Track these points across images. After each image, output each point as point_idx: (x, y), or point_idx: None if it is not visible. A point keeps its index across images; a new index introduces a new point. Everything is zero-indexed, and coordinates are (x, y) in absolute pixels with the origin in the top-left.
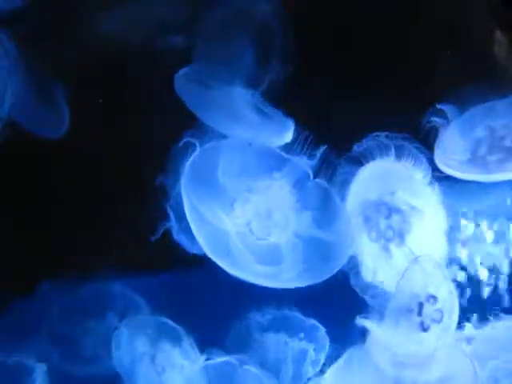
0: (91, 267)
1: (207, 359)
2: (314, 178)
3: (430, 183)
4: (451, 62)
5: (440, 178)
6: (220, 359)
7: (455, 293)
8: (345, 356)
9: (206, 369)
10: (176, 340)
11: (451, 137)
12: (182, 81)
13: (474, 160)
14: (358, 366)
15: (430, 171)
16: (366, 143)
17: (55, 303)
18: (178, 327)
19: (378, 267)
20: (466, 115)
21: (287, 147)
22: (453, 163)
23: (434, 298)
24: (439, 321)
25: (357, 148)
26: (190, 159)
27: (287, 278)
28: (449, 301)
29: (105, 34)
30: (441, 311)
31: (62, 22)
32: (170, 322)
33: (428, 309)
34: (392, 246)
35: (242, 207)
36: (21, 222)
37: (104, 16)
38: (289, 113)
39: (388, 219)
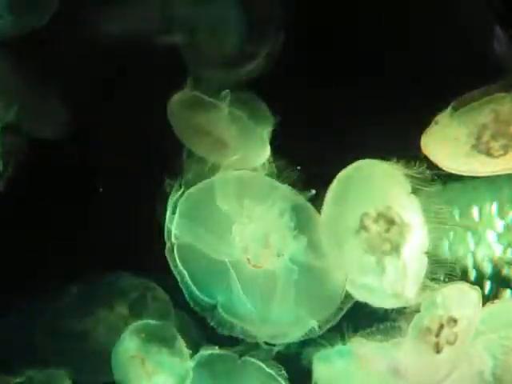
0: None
1: (205, 355)
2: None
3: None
4: (451, 62)
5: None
6: (218, 353)
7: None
8: (343, 349)
9: (205, 365)
10: (169, 339)
11: (451, 124)
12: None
13: (477, 146)
14: (356, 364)
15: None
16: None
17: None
18: (173, 325)
19: (372, 281)
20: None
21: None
22: (452, 154)
23: (455, 321)
24: (452, 343)
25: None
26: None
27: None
28: (467, 325)
29: (104, 34)
30: (456, 335)
31: (62, 22)
32: (165, 320)
33: (446, 331)
34: (387, 260)
35: (241, 232)
36: (21, 221)
37: (104, 16)
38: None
39: (386, 232)
